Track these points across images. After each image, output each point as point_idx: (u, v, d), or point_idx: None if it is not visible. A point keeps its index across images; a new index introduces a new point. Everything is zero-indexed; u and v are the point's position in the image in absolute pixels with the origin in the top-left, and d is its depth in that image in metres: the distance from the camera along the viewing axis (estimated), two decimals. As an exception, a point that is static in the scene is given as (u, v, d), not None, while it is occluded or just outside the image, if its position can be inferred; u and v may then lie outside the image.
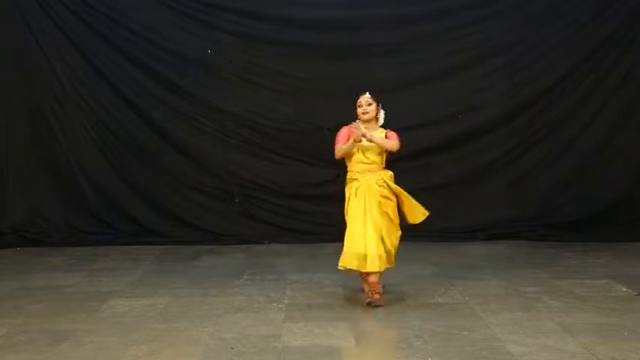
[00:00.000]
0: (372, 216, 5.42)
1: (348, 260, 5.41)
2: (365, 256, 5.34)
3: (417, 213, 5.63)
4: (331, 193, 8.27)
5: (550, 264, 7.01)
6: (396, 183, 5.66)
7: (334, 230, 8.24)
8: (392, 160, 8.26)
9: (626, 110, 8.31)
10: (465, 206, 8.35)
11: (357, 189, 5.54)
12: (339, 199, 8.50)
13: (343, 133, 5.61)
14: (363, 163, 5.61)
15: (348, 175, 5.72)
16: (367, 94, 5.66)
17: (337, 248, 5.55)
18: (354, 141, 5.46)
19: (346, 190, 5.70)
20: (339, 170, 8.35)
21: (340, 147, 5.60)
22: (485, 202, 8.34)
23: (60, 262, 7.37)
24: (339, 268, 5.49)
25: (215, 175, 8.38)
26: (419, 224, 5.54)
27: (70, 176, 8.34)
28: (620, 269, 6.74)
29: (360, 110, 5.64)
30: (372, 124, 5.63)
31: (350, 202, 5.60)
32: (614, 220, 8.26)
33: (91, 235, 8.25)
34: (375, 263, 5.34)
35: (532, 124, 8.38)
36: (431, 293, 5.78)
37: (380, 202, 5.48)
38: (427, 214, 5.63)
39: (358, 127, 5.45)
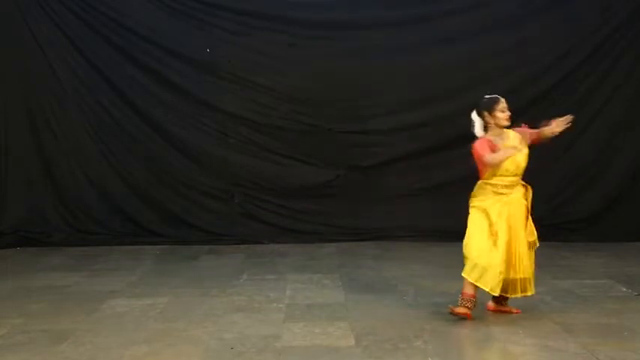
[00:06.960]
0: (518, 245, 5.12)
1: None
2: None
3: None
4: (331, 193, 8.29)
5: (550, 264, 6.99)
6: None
7: (334, 230, 8.31)
8: (393, 160, 8.29)
9: (626, 110, 8.31)
10: (465, 206, 8.31)
11: (499, 211, 5.23)
12: (339, 199, 8.57)
13: (485, 144, 5.25)
14: (516, 175, 5.32)
15: (484, 191, 5.38)
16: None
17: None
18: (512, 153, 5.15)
19: (476, 203, 5.39)
20: (339, 170, 8.42)
21: (498, 155, 5.17)
22: (485, 202, 8.32)
23: (60, 262, 7.37)
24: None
25: (215, 175, 8.38)
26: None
27: (70, 176, 8.34)
28: (620, 269, 6.74)
29: (503, 116, 5.30)
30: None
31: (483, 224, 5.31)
32: (614, 220, 8.25)
33: (91, 235, 8.26)
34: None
35: (532, 124, 8.36)
36: (431, 293, 5.76)
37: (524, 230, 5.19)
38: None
39: (514, 148, 5.20)
